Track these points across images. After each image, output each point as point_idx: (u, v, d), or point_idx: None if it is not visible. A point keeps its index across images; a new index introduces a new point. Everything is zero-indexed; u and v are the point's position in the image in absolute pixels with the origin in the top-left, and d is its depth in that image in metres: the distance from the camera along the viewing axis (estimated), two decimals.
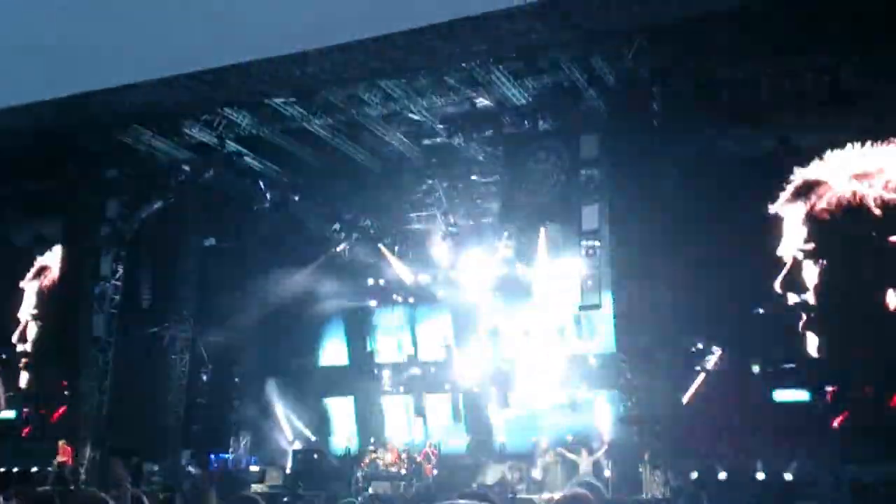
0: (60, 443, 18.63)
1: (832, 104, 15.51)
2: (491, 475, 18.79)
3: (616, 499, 14.61)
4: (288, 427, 22.26)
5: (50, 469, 18.37)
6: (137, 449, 19.98)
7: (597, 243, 16.79)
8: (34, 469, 19.01)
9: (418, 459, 19.95)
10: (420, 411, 22.69)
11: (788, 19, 14.57)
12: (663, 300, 16.42)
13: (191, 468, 20.56)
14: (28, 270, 22.10)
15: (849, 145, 15.84)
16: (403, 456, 20.01)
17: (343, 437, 22.59)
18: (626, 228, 16.53)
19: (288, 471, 21.01)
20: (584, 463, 17.93)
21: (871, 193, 15.54)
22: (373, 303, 23.32)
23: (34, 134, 19.33)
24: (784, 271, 16.06)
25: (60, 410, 20.57)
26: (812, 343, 15.86)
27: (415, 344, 23.31)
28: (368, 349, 23.57)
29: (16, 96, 19.62)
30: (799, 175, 16.07)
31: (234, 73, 17.93)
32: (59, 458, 18.40)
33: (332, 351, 23.93)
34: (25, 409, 21.49)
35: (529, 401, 20.73)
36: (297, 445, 22.11)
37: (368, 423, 22.57)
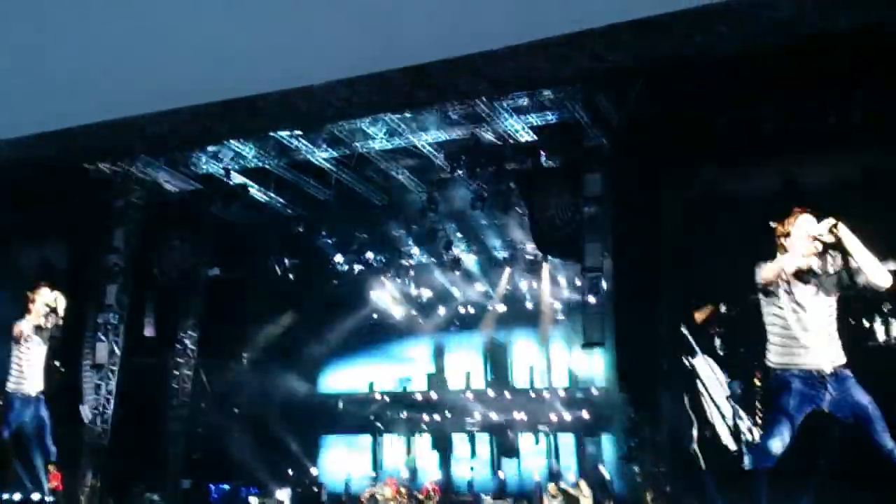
0: (51, 468, 18.52)
1: (840, 144, 15.40)
2: None
3: None
4: (287, 458, 22.19)
5: (51, 499, 18.26)
6: (138, 477, 19.94)
7: (599, 280, 16.72)
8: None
9: (420, 497, 19.80)
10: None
11: (795, 57, 14.49)
12: (666, 340, 16.28)
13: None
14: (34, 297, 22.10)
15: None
16: (403, 491, 19.87)
17: (341, 469, 22.49)
18: (629, 266, 16.41)
19: (287, 502, 20.89)
20: (585, 500, 17.69)
21: None
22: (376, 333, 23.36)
23: (42, 164, 19.47)
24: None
25: None
26: None
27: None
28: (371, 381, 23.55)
29: (24, 127, 19.79)
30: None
31: (241, 106, 18.05)
32: (51, 484, 18.28)
33: (335, 381, 23.90)
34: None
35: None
36: (296, 478, 22.00)
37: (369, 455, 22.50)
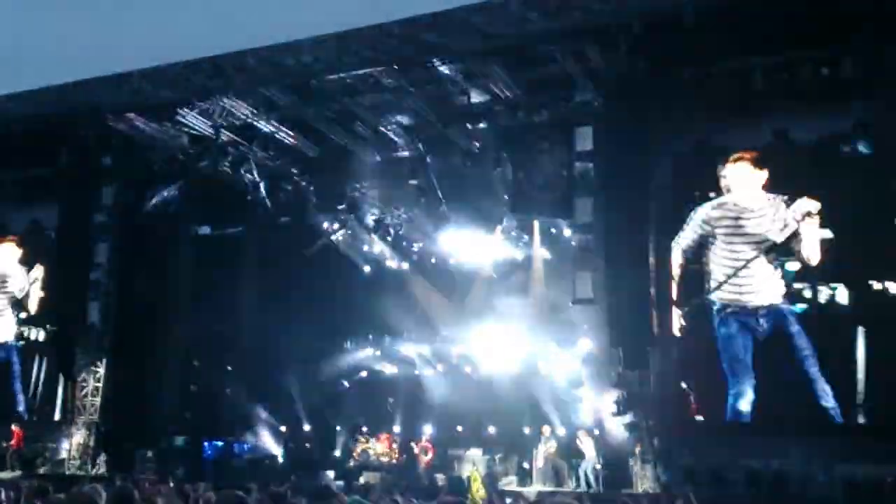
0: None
1: (830, 97, 15.38)
2: (481, 466, 18.73)
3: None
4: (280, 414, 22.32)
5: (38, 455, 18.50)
6: (132, 435, 20.07)
7: (590, 237, 16.77)
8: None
9: (415, 451, 20.01)
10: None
11: (787, 10, 14.42)
12: (656, 293, 16.35)
13: None
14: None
15: None
16: (395, 446, 20.05)
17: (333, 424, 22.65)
18: (620, 221, 16.41)
19: (280, 458, 21.08)
20: (589, 448, 17.52)
21: None
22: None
23: (31, 121, 19.34)
24: None
25: None
26: None
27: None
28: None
29: (13, 84, 19.66)
30: None
31: (230, 62, 17.88)
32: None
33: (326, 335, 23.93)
34: None
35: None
36: (290, 433, 22.18)
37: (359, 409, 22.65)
